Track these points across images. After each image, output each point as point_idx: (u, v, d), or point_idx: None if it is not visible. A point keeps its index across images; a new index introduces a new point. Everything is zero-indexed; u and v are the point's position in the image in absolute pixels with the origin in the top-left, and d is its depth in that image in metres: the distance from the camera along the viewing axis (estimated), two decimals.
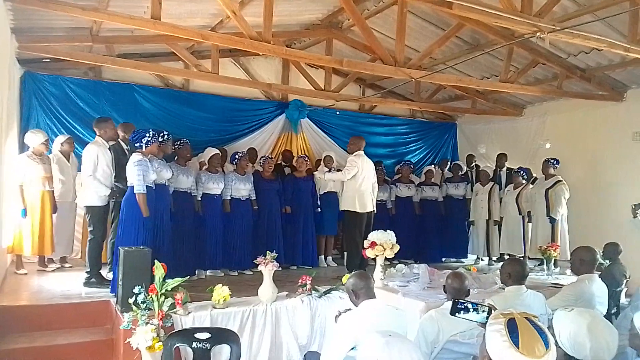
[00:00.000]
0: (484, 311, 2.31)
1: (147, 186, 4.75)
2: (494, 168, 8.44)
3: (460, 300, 2.38)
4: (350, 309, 3.35)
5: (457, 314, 2.34)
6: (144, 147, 4.91)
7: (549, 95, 7.68)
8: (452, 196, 8.29)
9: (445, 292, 3.40)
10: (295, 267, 6.85)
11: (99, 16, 4.86)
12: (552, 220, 6.94)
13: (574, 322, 1.98)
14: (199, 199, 6.11)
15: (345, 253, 6.68)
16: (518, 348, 1.61)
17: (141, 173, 4.70)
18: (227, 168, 6.88)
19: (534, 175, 7.76)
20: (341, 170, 6.67)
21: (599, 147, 7.51)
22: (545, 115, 8.37)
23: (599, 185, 7.45)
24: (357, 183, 6.30)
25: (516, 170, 7.74)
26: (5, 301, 4.54)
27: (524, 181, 7.56)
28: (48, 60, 6.63)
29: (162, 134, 5.15)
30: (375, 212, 6.60)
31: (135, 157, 4.80)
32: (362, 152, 6.50)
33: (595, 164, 7.56)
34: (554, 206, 6.94)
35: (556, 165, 7.16)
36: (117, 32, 6.22)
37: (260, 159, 7.13)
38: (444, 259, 8.09)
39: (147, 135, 4.92)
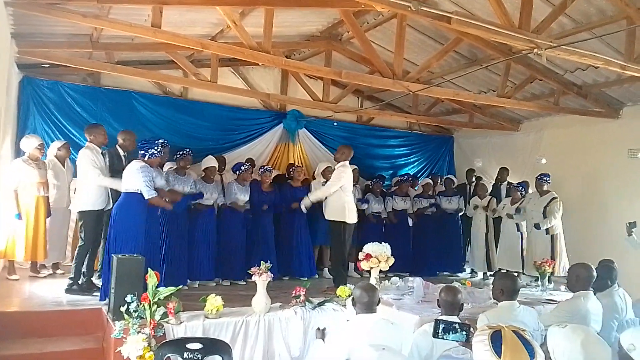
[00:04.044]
0: (463, 330, 2.34)
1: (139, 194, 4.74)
2: (494, 182, 8.44)
3: (440, 321, 2.40)
4: (324, 329, 3.37)
5: (438, 336, 2.37)
6: (147, 157, 4.90)
7: (545, 111, 7.74)
8: (445, 210, 8.27)
9: (439, 307, 3.40)
10: (287, 278, 6.78)
11: (100, 23, 4.88)
12: (537, 227, 6.93)
13: (567, 338, 1.98)
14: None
15: (331, 265, 6.41)
16: (500, 357, 1.66)
17: (148, 177, 4.71)
18: (225, 177, 6.86)
19: (530, 190, 7.77)
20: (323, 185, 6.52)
21: (595, 164, 7.55)
22: (542, 131, 8.42)
23: (595, 202, 7.47)
24: (345, 193, 6.13)
25: (515, 185, 7.74)
26: None
27: (521, 196, 7.55)
28: (47, 65, 6.64)
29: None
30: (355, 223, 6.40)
31: (137, 164, 4.79)
32: (347, 161, 6.28)
33: (591, 180, 7.58)
34: (546, 218, 6.94)
35: (548, 181, 7.16)
36: (117, 40, 6.24)
37: (259, 170, 7.10)
38: (438, 273, 8.07)
39: (155, 148, 4.93)
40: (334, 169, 6.46)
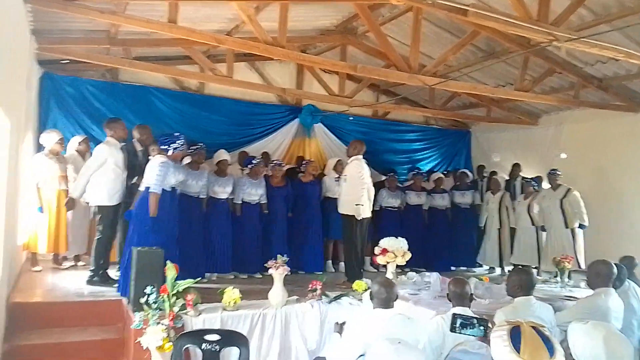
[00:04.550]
0: (481, 325, 2.33)
1: (163, 189, 4.79)
2: (508, 178, 8.36)
3: (458, 315, 2.39)
4: (343, 323, 3.39)
5: (456, 331, 2.36)
6: (170, 151, 4.95)
7: (565, 105, 7.62)
8: (458, 204, 8.18)
9: (449, 300, 3.42)
10: (303, 272, 6.77)
11: (117, 19, 4.93)
12: (582, 227, 6.82)
13: (588, 334, 1.95)
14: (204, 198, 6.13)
15: (345, 260, 6.34)
16: (519, 353, 1.64)
17: (162, 175, 4.74)
18: (234, 171, 6.87)
19: (544, 183, 7.68)
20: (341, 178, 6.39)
21: (615, 158, 7.42)
22: (561, 125, 8.30)
23: (614, 197, 7.35)
24: (360, 187, 6.01)
25: (527, 179, 7.66)
26: (20, 298, 4.60)
27: (533, 190, 7.46)
28: (66, 61, 6.73)
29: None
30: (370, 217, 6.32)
31: (160, 158, 4.84)
32: (360, 155, 6.17)
33: (610, 175, 7.47)
34: (574, 215, 6.82)
35: (560, 175, 7.06)
36: (134, 35, 6.31)
37: (270, 165, 7.08)
38: (453, 268, 8.02)
39: (178, 142, 4.96)
40: (346, 163, 6.39)
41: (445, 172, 9.12)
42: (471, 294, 3.37)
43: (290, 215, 6.93)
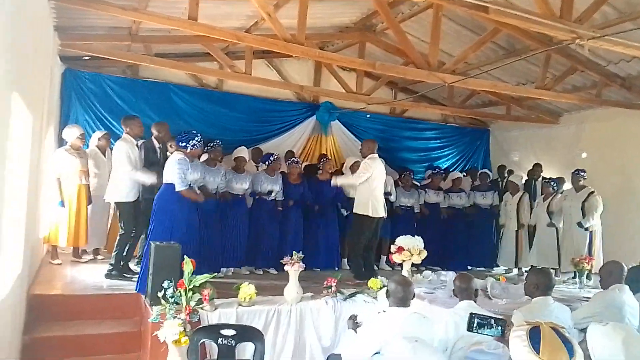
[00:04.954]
0: (499, 325, 2.30)
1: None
2: (528, 178, 8.24)
3: (475, 315, 2.36)
4: (356, 316, 3.41)
5: (473, 330, 2.34)
6: (189, 149, 4.99)
7: (586, 104, 7.48)
8: (479, 205, 8.10)
9: (456, 295, 3.51)
10: (319, 270, 6.77)
11: (138, 16, 4.99)
12: (580, 226, 6.74)
13: (608, 336, 1.93)
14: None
15: (348, 257, 6.35)
16: (538, 354, 1.63)
17: (182, 171, 4.77)
18: (249, 167, 6.87)
19: (566, 184, 7.55)
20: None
21: (637, 157, 7.27)
22: (583, 124, 8.16)
23: (636, 197, 7.21)
24: (372, 187, 6.08)
25: (547, 180, 7.54)
26: (40, 290, 4.68)
27: (552, 191, 7.34)
28: (88, 58, 6.84)
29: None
30: (385, 216, 6.39)
31: (177, 155, 4.88)
32: (376, 155, 6.25)
33: (633, 175, 7.32)
34: (586, 216, 6.73)
35: (585, 177, 6.94)
36: (155, 32, 6.37)
37: (287, 162, 7.08)
38: (469, 267, 7.94)
39: (195, 139, 5.00)
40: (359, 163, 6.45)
41: (464, 173, 9.02)
42: (476, 289, 3.47)
43: (317, 210, 6.90)
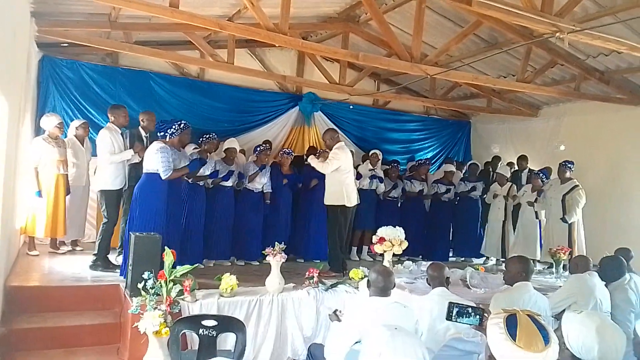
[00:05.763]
0: (477, 314, 2.34)
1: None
2: (514, 170, 8.32)
3: (454, 304, 2.39)
4: (339, 311, 3.46)
5: (452, 319, 2.38)
6: (168, 137, 4.94)
7: (565, 97, 7.60)
8: (467, 195, 8.07)
9: (429, 284, 3.65)
10: (302, 261, 6.78)
11: (118, 2, 4.87)
12: (564, 221, 6.81)
13: (582, 324, 1.97)
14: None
15: (329, 249, 6.13)
16: (515, 341, 1.66)
17: (165, 159, 4.71)
18: (240, 158, 6.86)
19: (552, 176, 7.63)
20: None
21: (616, 151, 7.42)
22: (562, 117, 8.28)
23: (615, 190, 7.36)
24: (343, 176, 5.87)
25: (536, 172, 7.59)
26: (17, 281, 4.60)
27: (542, 183, 7.38)
28: (66, 45, 6.68)
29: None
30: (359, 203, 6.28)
31: (157, 145, 4.83)
32: (342, 142, 6.06)
33: (612, 169, 7.46)
34: (569, 210, 6.82)
35: (572, 169, 7.01)
36: (135, 19, 6.25)
37: (279, 153, 7.06)
38: (452, 258, 8.03)
39: (173, 127, 4.97)
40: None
41: (454, 163, 8.95)
42: (447, 277, 3.61)
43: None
